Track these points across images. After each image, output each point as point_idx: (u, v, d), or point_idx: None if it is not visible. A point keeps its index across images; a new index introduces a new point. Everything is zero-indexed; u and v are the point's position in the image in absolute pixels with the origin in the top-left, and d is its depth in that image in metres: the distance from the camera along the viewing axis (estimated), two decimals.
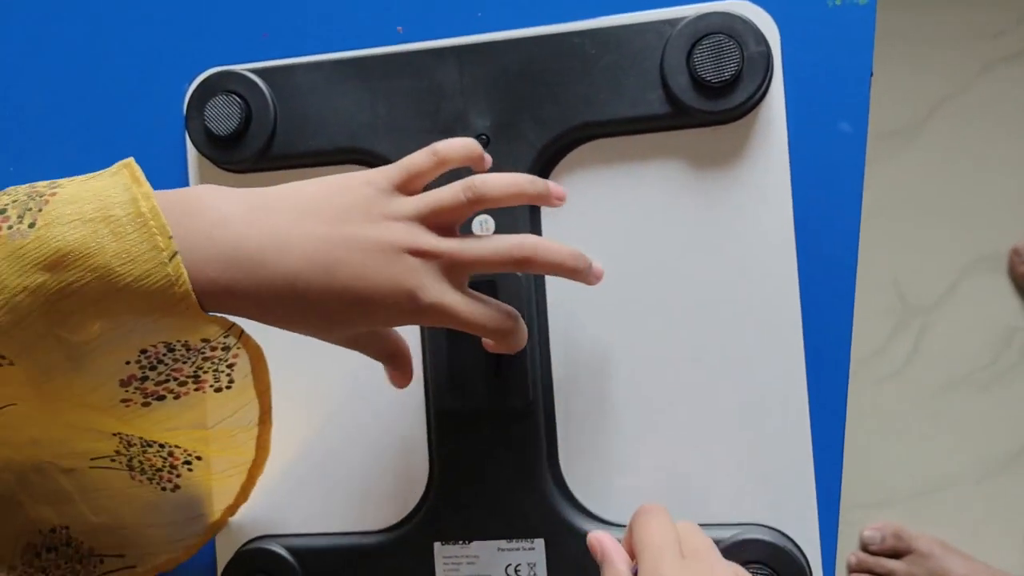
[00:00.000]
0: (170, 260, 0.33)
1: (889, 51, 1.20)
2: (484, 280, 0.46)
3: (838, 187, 0.46)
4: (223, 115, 0.49)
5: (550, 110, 0.47)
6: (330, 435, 0.50)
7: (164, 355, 0.37)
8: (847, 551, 1.16)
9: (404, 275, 0.37)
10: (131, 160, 0.35)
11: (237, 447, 0.46)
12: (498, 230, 0.47)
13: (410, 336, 0.48)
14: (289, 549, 0.49)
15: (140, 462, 0.46)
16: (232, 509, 0.49)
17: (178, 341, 0.36)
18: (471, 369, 0.47)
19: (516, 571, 0.47)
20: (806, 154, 0.46)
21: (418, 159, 0.40)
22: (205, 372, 0.39)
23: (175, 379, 0.38)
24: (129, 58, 0.53)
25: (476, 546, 0.48)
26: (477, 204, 0.39)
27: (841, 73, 0.46)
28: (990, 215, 1.18)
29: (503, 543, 0.47)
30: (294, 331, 0.37)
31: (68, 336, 0.34)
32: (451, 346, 0.47)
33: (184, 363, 0.38)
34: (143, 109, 0.53)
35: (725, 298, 0.46)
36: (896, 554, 1.13)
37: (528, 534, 0.47)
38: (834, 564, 0.46)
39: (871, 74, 0.46)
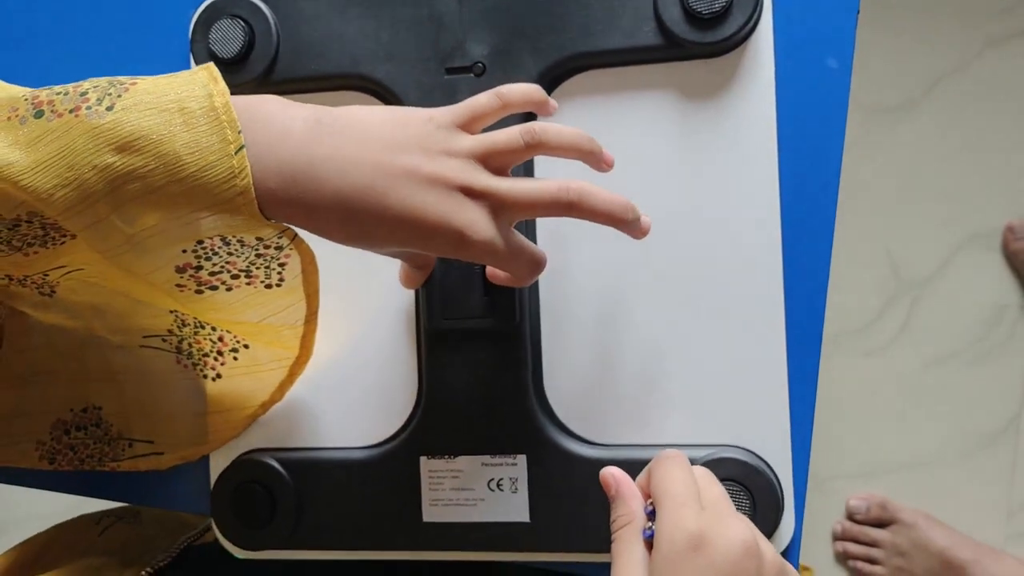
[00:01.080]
0: (236, 153, 0.34)
1: (891, 25, 1.21)
2: None
3: (823, 121, 0.47)
4: (227, 38, 0.50)
5: (546, 40, 0.48)
6: (323, 354, 0.51)
7: (219, 247, 0.38)
8: (832, 518, 1.18)
9: (454, 212, 0.38)
10: (211, 64, 0.37)
11: (283, 342, 0.47)
12: None
13: None
14: (281, 461, 0.51)
15: (189, 344, 0.48)
16: (266, 405, 0.51)
17: (233, 236, 0.38)
18: (461, 291, 0.48)
19: (499, 485, 0.49)
20: (792, 88, 0.47)
21: (482, 100, 0.41)
22: (257, 268, 0.41)
23: (228, 271, 0.40)
24: None
25: (461, 461, 0.49)
26: (534, 149, 0.40)
27: (828, 9, 0.47)
28: (986, 192, 1.19)
29: (487, 458, 0.49)
30: (344, 244, 0.39)
31: (123, 227, 0.36)
32: (443, 269, 0.48)
33: (238, 257, 0.39)
34: (150, 31, 0.54)
35: (709, 226, 0.47)
36: (881, 524, 1.15)
37: (511, 450, 0.49)
38: (804, 485, 0.47)
39: (858, 10, 0.47)
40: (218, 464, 0.52)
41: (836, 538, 1.18)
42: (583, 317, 0.49)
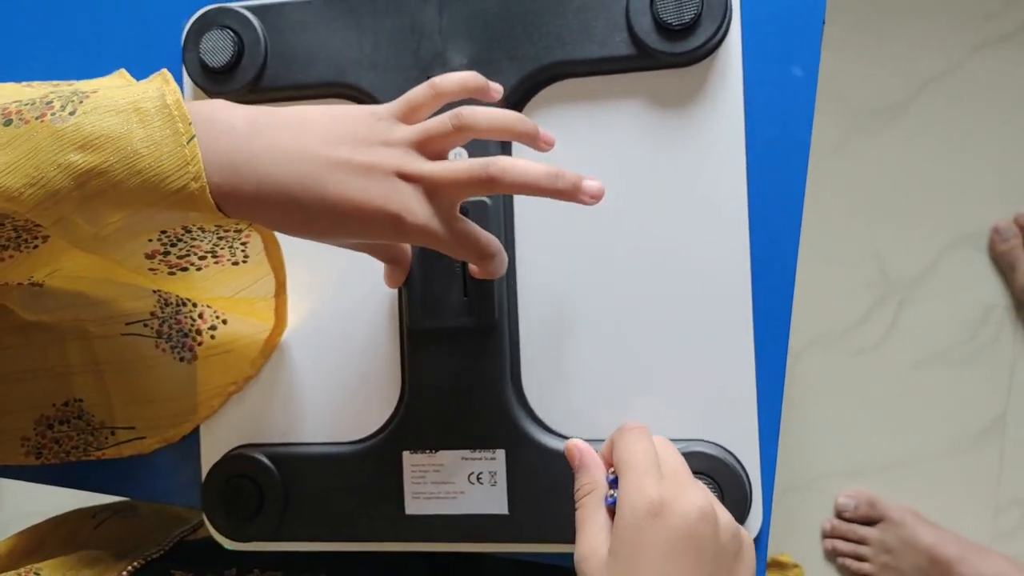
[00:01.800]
0: (188, 143, 0.37)
1: (880, 28, 1.23)
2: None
3: (789, 127, 0.49)
4: (217, 48, 0.52)
5: (523, 49, 0.50)
6: (310, 353, 0.53)
7: (182, 235, 0.41)
8: (820, 516, 1.20)
9: (391, 197, 0.39)
10: (165, 70, 0.40)
11: (258, 314, 0.50)
12: None
13: None
14: (270, 456, 0.52)
15: (170, 326, 0.51)
16: (239, 383, 0.53)
17: (194, 225, 0.40)
18: (442, 290, 0.50)
19: (478, 479, 0.51)
20: (760, 96, 0.49)
21: (418, 92, 0.43)
22: (221, 249, 0.43)
23: (195, 254, 0.42)
24: None
25: (442, 455, 0.51)
26: (463, 132, 0.42)
27: (794, 20, 0.49)
28: (973, 194, 1.21)
29: (467, 453, 0.51)
30: (292, 235, 0.40)
31: (88, 227, 0.38)
32: (424, 269, 0.50)
33: (201, 241, 0.42)
34: (143, 42, 0.56)
35: (679, 231, 0.49)
36: (869, 521, 1.17)
37: (490, 445, 0.50)
38: (772, 478, 0.49)
39: (823, 21, 0.49)
40: (209, 459, 0.54)
41: (825, 535, 1.19)
42: (559, 317, 0.51)
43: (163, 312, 0.51)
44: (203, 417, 0.53)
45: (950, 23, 1.22)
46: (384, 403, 0.52)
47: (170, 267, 0.43)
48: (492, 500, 0.50)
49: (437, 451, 0.51)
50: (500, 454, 0.50)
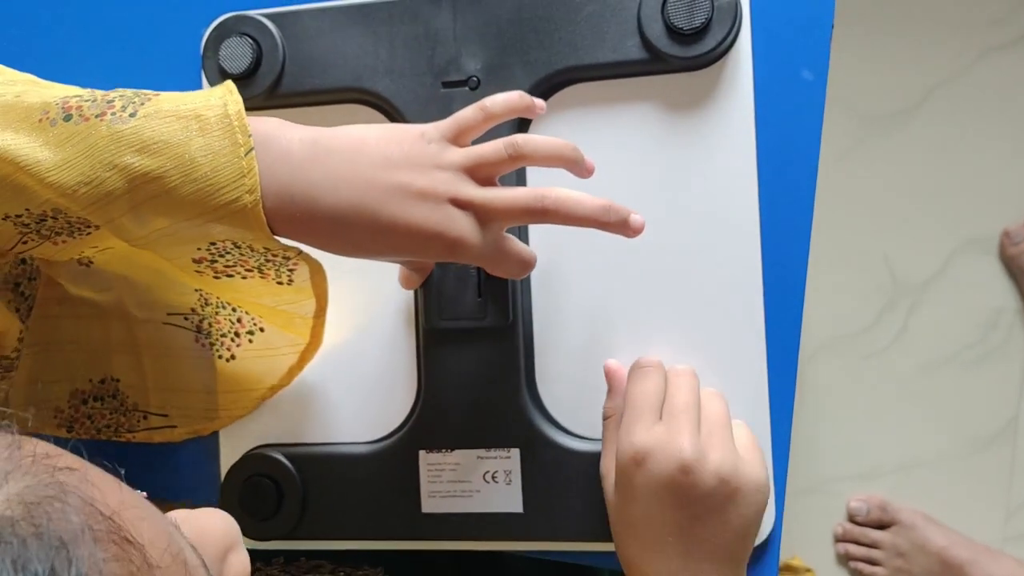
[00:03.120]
0: (245, 155, 0.37)
1: (888, 34, 1.23)
2: None
3: (799, 131, 0.50)
4: (236, 55, 0.53)
5: (536, 55, 0.51)
6: (328, 354, 0.54)
7: (231, 248, 0.41)
8: (832, 520, 1.20)
9: (445, 223, 0.40)
10: (229, 81, 0.41)
11: (295, 328, 0.50)
12: None
13: None
14: (289, 456, 0.53)
15: (209, 324, 0.52)
16: (275, 388, 0.53)
17: (243, 242, 0.41)
18: (458, 291, 0.51)
19: (493, 477, 0.51)
20: (770, 99, 0.50)
21: (467, 114, 0.44)
22: (268, 268, 0.44)
23: (242, 266, 0.43)
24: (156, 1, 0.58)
25: (457, 454, 0.52)
26: (518, 160, 0.43)
27: (804, 24, 0.50)
28: (983, 198, 1.21)
29: (482, 452, 0.51)
30: (342, 255, 0.41)
31: (137, 229, 0.39)
32: (439, 271, 0.51)
33: (248, 258, 0.43)
34: (163, 49, 0.57)
35: (690, 233, 0.50)
36: (881, 525, 1.17)
37: (505, 444, 0.51)
38: (784, 483, 0.49)
39: (832, 25, 0.49)
40: (228, 458, 0.55)
41: (837, 540, 1.19)
42: (573, 318, 0.51)
43: (203, 311, 0.52)
44: (236, 417, 0.54)
45: (957, 28, 1.22)
46: (401, 403, 0.53)
47: (216, 273, 0.44)
48: (507, 499, 0.51)
49: (453, 450, 0.52)
50: (515, 453, 0.51)
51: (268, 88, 0.53)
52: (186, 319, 0.52)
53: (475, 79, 0.52)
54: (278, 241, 0.40)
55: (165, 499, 0.59)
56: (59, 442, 0.25)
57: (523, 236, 0.52)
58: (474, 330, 0.51)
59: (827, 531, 1.19)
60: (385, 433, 0.53)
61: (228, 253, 0.42)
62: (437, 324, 0.51)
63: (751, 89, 0.49)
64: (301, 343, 0.51)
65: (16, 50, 0.59)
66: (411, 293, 0.53)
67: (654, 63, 0.49)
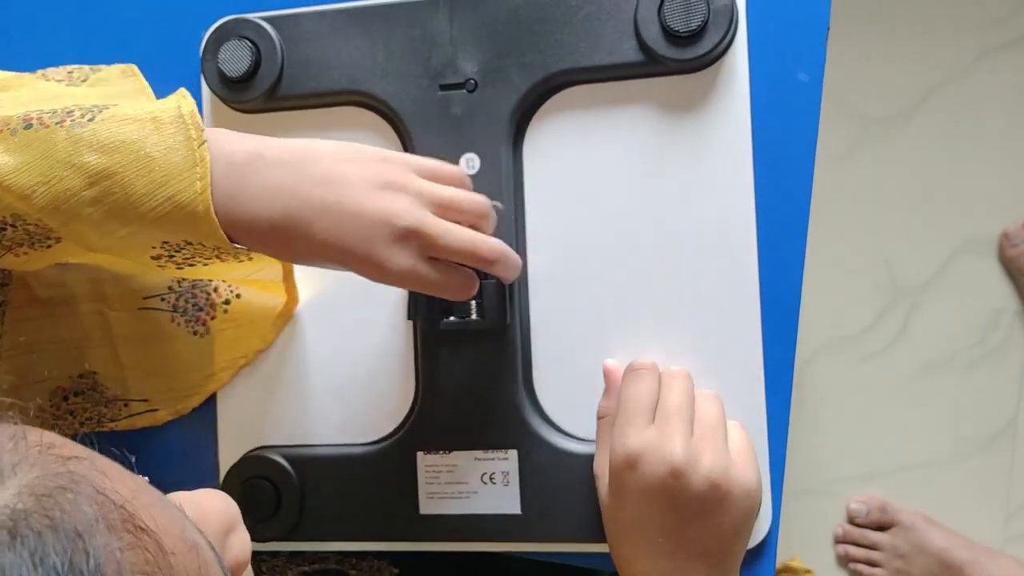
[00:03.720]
0: (199, 147, 0.39)
1: (888, 34, 1.23)
2: None
3: (795, 133, 0.50)
4: (235, 58, 0.53)
5: (533, 57, 0.51)
6: (326, 357, 0.54)
7: (184, 246, 0.42)
8: (833, 523, 1.20)
9: (373, 245, 0.41)
10: (183, 88, 0.42)
11: (271, 288, 0.52)
12: (481, 168, 0.52)
13: None
14: (287, 457, 0.53)
15: (186, 300, 0.53)
16: (249, 356, 0.54)
17: (195, 240, 0.41)
18: None
19: (491, 479, 0.51)
20: (766, 101, 0.50)
21: (447, 169, 0.45)
22: (225, 256, 0.44)
23: (200, 257, 0.44)
24: (155, 5, 0.58)
25: (455, 456, 0.52)
26: (445, 211, 0.43)
27: (800, 26, 0.50)
28: (982, 200, 1.21)
29: (480, 453, 0.52)
30: (291, 263, 0.43)
31: (96, 238, 0.40)
32: None
33: (203, 251, 0.43)
34: (163, 53, 0.58)
35: (688, 236, 0.50)
36: (881, 527, 1.17)
37: (503, 445, 0.51)
38: (781, 484, 0.49)
39: (828, 27, 0.50)
40: (226, 460, 0.55)
41: (837, 541, 1.19)
42: (570, 319, 0.51)
43: (180, 286, 0.53)
44: (212, 389, 0.55)
45: (956, 29, 1.22)
46: (399, 405, 0.53)
47: (177, 265, 0.45)
48: (505, 500, 0.51)
49: (451, 451, 0.52)
50: (513, 454, 0.51)
51: (267, 91, 0.53)
52: (162, 299, 0.54)
53: (472, 81, 0.52)
54: (226, 239, 0.40)
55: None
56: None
57: (520, 238, 0.52)
58: (472, 331, 0.51)
59: (827, 532, 1.19)
60: (383, 435, 0.53)
61: (182, 249, 0.43)
62: (434, 326, 0.52)
63: (747, 91, 0.49)
64: (279, 302, 0.53)
65: (16, 51, 0.59)
66: (407, 294, 0.53)
67: (650, 65, 0.50)
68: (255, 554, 0.49)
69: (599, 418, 0.49)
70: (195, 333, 0.54)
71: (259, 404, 0.55)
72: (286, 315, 0.54)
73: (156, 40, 0.58)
